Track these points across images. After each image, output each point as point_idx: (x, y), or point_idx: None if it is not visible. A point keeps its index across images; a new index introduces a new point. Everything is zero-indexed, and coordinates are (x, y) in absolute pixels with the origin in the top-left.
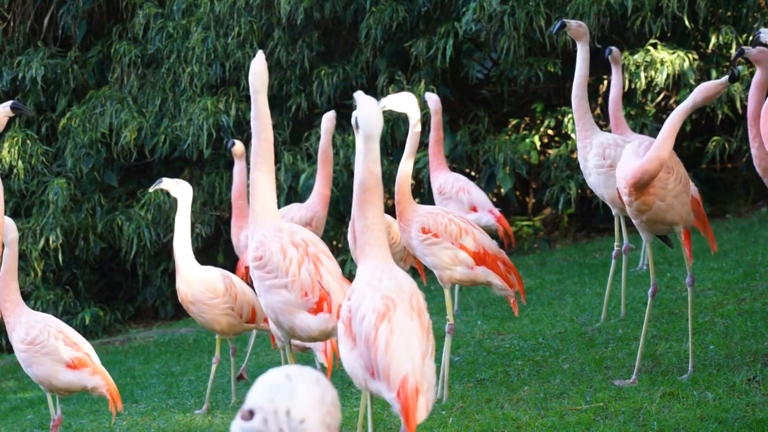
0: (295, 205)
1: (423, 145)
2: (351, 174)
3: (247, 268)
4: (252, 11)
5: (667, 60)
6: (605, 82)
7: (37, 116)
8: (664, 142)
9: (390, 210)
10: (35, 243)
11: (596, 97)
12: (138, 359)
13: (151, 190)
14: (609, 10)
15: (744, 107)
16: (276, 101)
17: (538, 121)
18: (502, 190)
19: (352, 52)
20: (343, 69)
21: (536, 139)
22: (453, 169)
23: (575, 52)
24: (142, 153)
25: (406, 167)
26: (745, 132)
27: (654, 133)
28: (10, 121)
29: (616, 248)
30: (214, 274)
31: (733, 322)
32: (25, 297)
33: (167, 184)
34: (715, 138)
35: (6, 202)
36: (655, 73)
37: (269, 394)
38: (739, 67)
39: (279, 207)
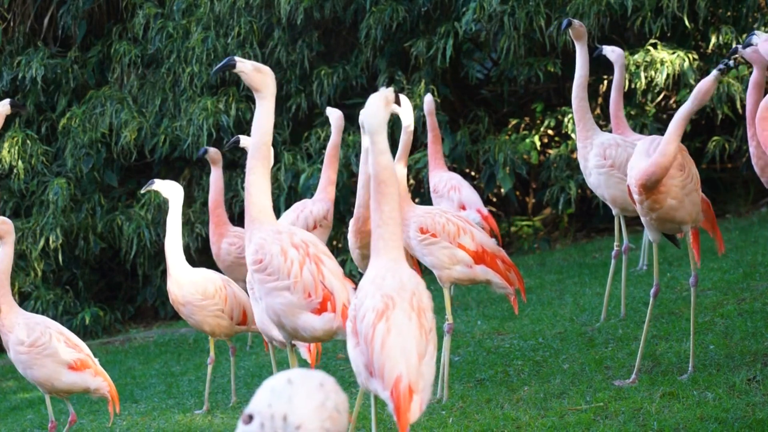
0: (309, 201)
1: (423, 145)
2: (351, 174)
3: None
4: (252, 11)
5: (667, 60)
6: (605, 82)
7: (37, 116)
8: (668, 145)
9: None
10: (35, 243)
11: (596, 97)
12: (138, 359)
13: (143, 191)
14: (609, 10)
15: (744, 107)
16: (276, 101)
17: (538, 121)
18: (502, 190)
19: (352, 52)
20: (343, 69)
21: (536, 139)
22: (453, 169)
23: (575, 52)
24: (142, 153)
25: (399, 168)
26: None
27: (653, 134)
28: (10, 121)
29: (616, 248)
30: (205, 275)
31: (733, 322)
32: (25, 297)
33: (158, 185)
34: (715, 138)
35: (6, 202)
36: (655, 73)
37: (268, 399)
38: (730, 62)
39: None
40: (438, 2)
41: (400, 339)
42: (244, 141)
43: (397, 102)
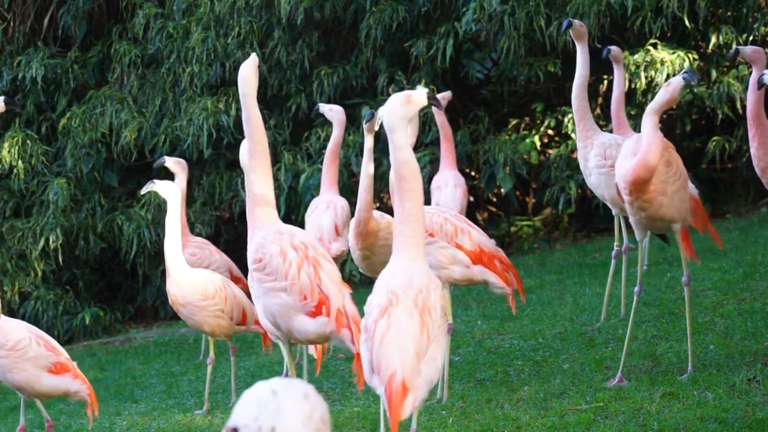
0: (334, 196)
1: (423, 145)
2: (351, 174)
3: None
4: (252, 11)
5: (667, 60)
6: (605, 82)
7: (37, 116)
8: (651, 146)
9: (390, 210)
10: (35, 243)
11: (596, 97)
12: (138, 359)
13: (143, 192)
14: (609, 10)
15: (744, 107)
16: (276, 101)
17: (538, 121)
18: (502, 190)
19: (352, 52)
20: (343, 69)
21: (536, 139)
22: None
23: (575, 52)
24: (142, 153)
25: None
26: (745, 132)
27: None
28: (10, 121)
29: (615, 248)
30: (204, 275)
31: (733, 322)
32: (25, 297)
33: (158, 186)
34: (715, 138)
35: (6, 202)
36: (655, 73)
37: (254, 412)
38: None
39: (279, 208)
40: (438, 2)
41: (398, 336)
42: (168, 162)
43: (437, 104)
